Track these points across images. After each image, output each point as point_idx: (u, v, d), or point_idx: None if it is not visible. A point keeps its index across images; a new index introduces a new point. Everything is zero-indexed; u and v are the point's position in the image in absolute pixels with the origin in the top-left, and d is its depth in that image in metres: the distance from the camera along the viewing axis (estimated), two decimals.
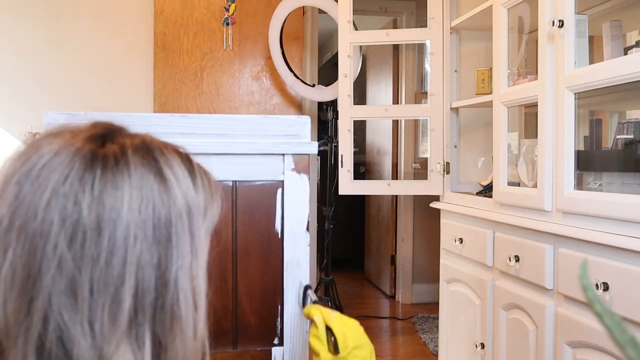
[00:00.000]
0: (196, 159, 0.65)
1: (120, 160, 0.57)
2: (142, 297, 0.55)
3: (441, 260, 2.56)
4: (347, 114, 2.77)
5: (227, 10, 3.28)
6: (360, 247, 5.46)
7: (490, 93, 2.26)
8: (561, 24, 1.66)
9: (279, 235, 1.19)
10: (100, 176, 0.55)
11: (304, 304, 1.07)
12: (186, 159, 0.63)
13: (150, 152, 0.60)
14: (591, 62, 1.74)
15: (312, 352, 1.01)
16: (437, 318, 2.69)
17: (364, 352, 0.99)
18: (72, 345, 0.53)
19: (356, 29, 2.86)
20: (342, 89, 2.79)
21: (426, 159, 3.66)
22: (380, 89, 4.72)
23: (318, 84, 3.29)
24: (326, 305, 3.56)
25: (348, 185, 2.77)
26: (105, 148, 0.58)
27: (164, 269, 0.57)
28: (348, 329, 1.02)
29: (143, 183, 0.57)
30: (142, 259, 0.55)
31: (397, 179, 4.40)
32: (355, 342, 1.00)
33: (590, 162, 1.82)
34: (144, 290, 0.55)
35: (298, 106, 3.37)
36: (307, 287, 1.12)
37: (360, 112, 2.97)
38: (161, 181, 0.58)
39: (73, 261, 0.53)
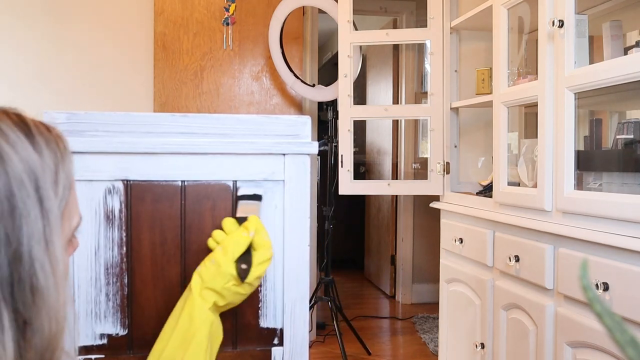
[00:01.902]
0: (32, 116, 0.59)
1: None
2: None
3: (441, 260, 2.56)
4: (347, 114, 2.77)
5: (227, 10, 3.28)
6: (360, 247, 5.46)
7: (490, 93, 2.26)
8: (561, 24, 1.67)
9: (280, 235, 1.19)
10: None
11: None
12: (19, 121, 0.58)
13: None
14: (591, 62, 1.74)
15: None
16: (437, 318, 2.69)
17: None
18: None
19: (356, 29, 2.86)
20: (342, 89, 2.79)
21: (426, 159, 3.66)
22: (380, 89, 4.72)
23: (318, 84, 3.29)
24: (326, 305, 3.55)
25: (348, 185, 2.77)
26: None
27: (14, 242, 0.54)
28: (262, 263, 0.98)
29: None
30: None
31: (397, 179, 4.40)
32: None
33: (590, 162, 1.82)
34: None
35: (298, 106, 3.37)
36: (239, 198, 1.10)
37: (360, 112, 2.97)
38: None
39: None
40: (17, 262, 0.54)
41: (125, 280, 1.13)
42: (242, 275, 0.98)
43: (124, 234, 1.13)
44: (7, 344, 0.53)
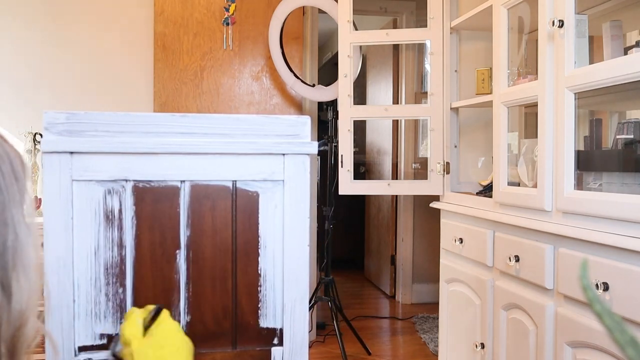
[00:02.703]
0: None
1: None
2: None
3: (441, 260, 2.56)
4: (347, 114, 2.77)
5: (227, 10, 3.28)
6: (360, 247, 5.46)
7: (490, 93, 2.26)
8: (561, 24, 1.66)
9: (280, 235, 1.19)
10: None
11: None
12: None
13: None
14: (591, 62, 1.74)
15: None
16: (437, 318, 2.69)
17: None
18: None
19: (356, 29, 2.86)
20: (342, 89, 2.79)
21: (426, 159, 3.66)
22: (380, 89, 4.72)
23: (318, 84, 3.29)
24: (326, 305, 3.55)
25: (348, 185, 2.77)
26: None
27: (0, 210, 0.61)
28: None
29: None
30: None
31: (397, 179, 4.40)
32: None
33: (590, 162, 1.82)
34: None
35: (298, 106, 3.37)
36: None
37: (360, 112, 2.97)
38: None
39: None
40: (4, 227, 0.61)
41: (125, 281, 1.13)
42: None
43: (124, 234, 1.13)
44: None
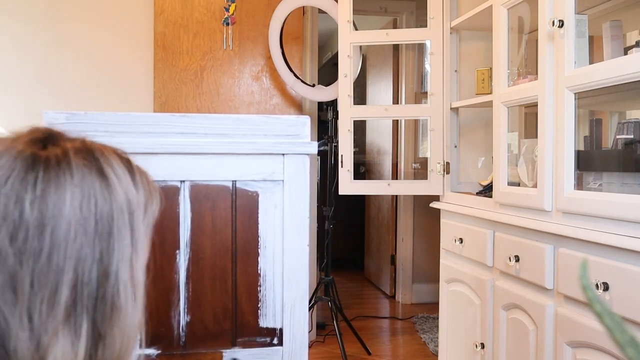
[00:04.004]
0: (135, 160, 0.69)
1: (62, 161, 0.60)
2: (81, 289, 0.58)
3: (441, 260, 2.56)
4: (347, 114, 2.77)
5: (227, 10, 3.28)
6: (360, 247, 5.46)
7: (490, 93, 2.26)
8: (561, 24, 1.66)
9: (280, 235, 1.19)
10: (42, 176, 0.59)
11: None
12: (125, 159, 0.67)
13: (90, 152, 0.63)
14: (591, 62, 1.74)
15: None
16: (437, 318, 2.69)
17: None
18: (9, 337, 0.56)
19: (356, 29, 2.86)
20: (342, 89, 2.79)
21: (426, 159, 3.66)
22: (380, 89, 4.72)
23: (318, 84, 3.29)
24: (326, 305, 3.55)
25: (348, 185, 2.77)
26: (47, 150, 0.61)
27: (105, 261, 0.60)
28: None
29: (85, 182, 0.60)
30: (83, 252, 0.58)
31: (397, 179, 4.40)
32: None
33: (590, 162, 1.82)
34: (84, 282, 0.59)
35: (298, 106, 3.37)
36: None
37: (360, 112, 2.96)
38: (102, 179, 0.62)
39: (14, 256, 0.56)
40: (105, 279, 0.60)
41: None
42: None
43: None
44: (80, 352, 0.58)
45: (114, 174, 0.63)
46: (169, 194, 1.14)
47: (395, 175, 4.45)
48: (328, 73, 5.53)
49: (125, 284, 0.62)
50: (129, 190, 0.64)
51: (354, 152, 2.95)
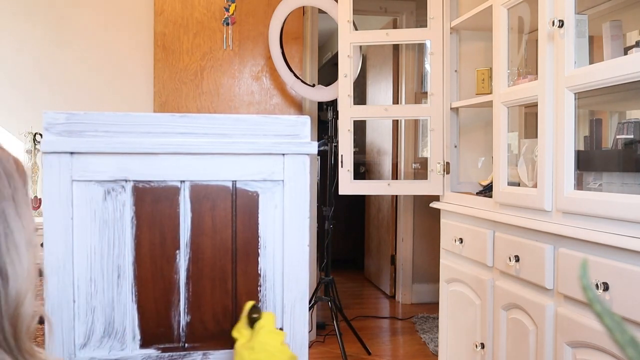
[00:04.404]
0: None
1: None
2: None
3: (441, 260, 2.56)
4: (347, 114, 2.77)
5: (227, 10, 3.28)
6: (360, 247, 5.46)
7: (490, 93, 2.26)
8: (561, 24, 1.66)
9: (280, 235, 1.19)
10: None
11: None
12: None
13: None
14: (591, 62, 1.74)
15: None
16: (437, 318, 2.69)
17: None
18: None
19: (356, 29, 2.86)
20: (342, 89, 2.79)
21: (426, 159, 3.66)
22: (380, 89, 4.72)
23: (318, 84, 3.29)
24: (326, 305, 3.55)
25: (348, 185, 2.77)
26: None
27: None
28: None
29: None
30: None
31: (397, 179, 4.40)
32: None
33: (590, 162, 1.82)
34: None
35: (298, 106, 3.37)
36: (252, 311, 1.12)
37: (360, 112, 2.96)
38: None
39: None
40: None
41: (125, 281, 1.13)
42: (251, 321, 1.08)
43: (124, 235, 1.13)
44: None
45: None
46: (169, 194, 1.14)
47: (395, 175, 4.45)
48: (328, 73, 5.53)
49: (16, 222, 0.71)
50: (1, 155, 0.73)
51: (354, 152, 2.95)
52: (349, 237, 5.61)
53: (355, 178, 2.80)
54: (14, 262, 0.69)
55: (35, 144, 3.05)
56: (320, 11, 3.38)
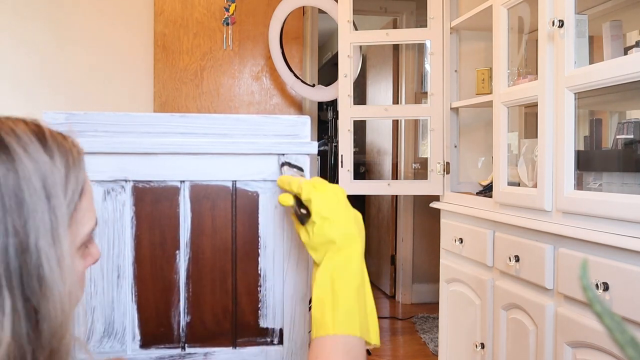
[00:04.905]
0: (52, 127, 0.66)
1: None
2: None
3: (441, 260, 2.56)
4: (347, 114, 2.77)
5: (227, 10, 3.28)
6: None
7: (490, 93, 2.26)
8: (561, 24, 1.66)
9: (280, 235, 1.19)
10: None
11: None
12: (35, 126, 0.64)
13: None
14: (591, 62, 1.74)
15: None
16: (437, 318, 2.69)
17: (345, 242, 0.83)
18: None
19: (356, 29, 2.86)
20: (342, 89, 2.79)
21: (426, 159, 3.66)
22: (380, 89, 4.72)
23: (318, 84, 3.29)
24: None
25: (348, 185, 2.77)
26: None
27: (22, 235, 0.58)
28: (322, 199, 0.86)
29: None
30: None
31: (397, 179, 4.40)
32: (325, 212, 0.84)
33: (590, 162, 1.82)
34: (1, 258, 0.57)
35: (298, 106, 3.37)
36: (283, 164, 1.08)
37: (360, 112, 2.96)
38: (2, 150, 0.59)
39: None
40: (25, 253, 0.59)
41: (125, 281, 1.13)
42: (301, 219, 0.89)
43: (124, 235, 1.13)
44: (5, 328, 0.57)
45: (17, 143, 0.60)
46: (169, 194, 1.14)
47: (395, 175, 4.45)
48: (328, 73, 5.52)
49: (48, 254, 0.60)
50: (39, 158, 0.61)
51: (354, 152, 2.95)
52: None
53: (355, 178, 2.80)
54: (47, 305, 0.60)
55: None
56: (320, 11, 3.38)
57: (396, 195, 4.43)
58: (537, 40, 1.87)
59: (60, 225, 0.62)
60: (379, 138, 4.83)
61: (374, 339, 0.85)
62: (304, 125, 1.18)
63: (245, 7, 3.30)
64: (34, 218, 0.59)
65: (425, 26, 2.68)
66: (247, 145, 1.15)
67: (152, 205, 1.13)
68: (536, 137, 1.83)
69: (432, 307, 4.03)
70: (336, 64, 2.85)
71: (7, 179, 0.58)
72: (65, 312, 0.62)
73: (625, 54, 1.75)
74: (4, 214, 0.58)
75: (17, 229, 0.58)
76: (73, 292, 0.64)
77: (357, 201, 5.37)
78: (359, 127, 5.26)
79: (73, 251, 0.65)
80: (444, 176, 2.62)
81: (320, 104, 3.56)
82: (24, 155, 0.60)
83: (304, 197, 0.88)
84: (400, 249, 4.41)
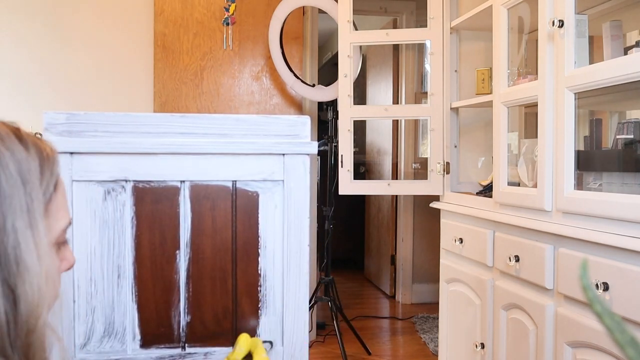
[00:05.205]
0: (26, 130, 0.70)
1: None
2: None
3: (441, 260, 2.56)
4: (347, 114, 2.77)
5: (227, 10, 3.28)
6: (360, 247, 5.46)
7: (490, 93, 2.26)
8: (561, 24, 1.66)
9: (280, 235, 1.19)
10: None
11: None
12: (11, 126, 0.69)
13: None
14: (591, 62, 1.74)
15: None
16: (437, 318, 2.69)
17: None
18: None
19: (356, 29, 2.86)
20: (342, 89, 2.79)
21: (426, 159, 3.66)
22: (380, 89, 4.72)
23: (318, 84, 3.29)
24: (326, 305, 3.55)
25: (348, 185, 2.77)
26: None
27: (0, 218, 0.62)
28: None
29: None
30: None
31: (397, 179, 4.40)
32: None
33: (590, 162, 1.82)
34: None
35: (298, 106, 3.37)
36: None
37: (360, 112, 2.96)
38: None
39: None
40: (1, 233, 0.62)
41: (125, 281, 1.13)
42: None
43: (124, 235, 1.13)
44: None
45: (1, 143, 0.64)
46: (169, 194, 1.14)
47: (395, 175, 4.45)
48: (328, 73, 5.53)
49: (25, 236, 0.63)
50: (14, 148, 0.65)
51: (354, 152, 2.95)
52: (349, 237, 5.61)
53: (355, 178, 2.80)
54: (24, 285, 0.62)
55: None
56: (320, 11, 3.38)
57: (396, 195, 4.43)
58: (537, 40, 1.87)
59: (36, 209, 0.65)
60: (379, 138, 4.83)
61: None
62: (304, 125, 1.18)
63: (245, 7, 3.30)
64: (10, 201, 0.62)
65: (425, 26, 2.68)
66: (247, 145, 1.15)
67: (152, 205, 1.13)
68: (536, 137, 1.83)
69: (432, 307, 4.03)
70: (336, 64, 2.85)
71: None
72: (42, 292, 0.64)
73: (625, 54, 1.75)
74: None
75: None
76: (50, 277, 0.66)
77: (357, 201, 5.37)
78: (359, 127, 5.27)
79: (50, 240, 0.68)
80: (444, 176, 2.62)
81: (320, 104, 3.56)
82: (1, 145, 0.64)
83: None
84: (400, 249, 4.41)
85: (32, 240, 0.64)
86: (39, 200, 0.66)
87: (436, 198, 2.67)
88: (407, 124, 4.34)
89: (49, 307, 0.66)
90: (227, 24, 3.28)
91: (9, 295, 0.61)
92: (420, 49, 4.10)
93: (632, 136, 1.70)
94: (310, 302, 3.20)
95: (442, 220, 2.55)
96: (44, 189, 0.67)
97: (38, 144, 0.69)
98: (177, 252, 1.15)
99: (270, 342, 1.16)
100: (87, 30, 3.22)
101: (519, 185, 2.04)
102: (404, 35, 3.23)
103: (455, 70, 2.63)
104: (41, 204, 0.66)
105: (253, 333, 1.18)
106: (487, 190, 2.31)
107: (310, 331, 3.40)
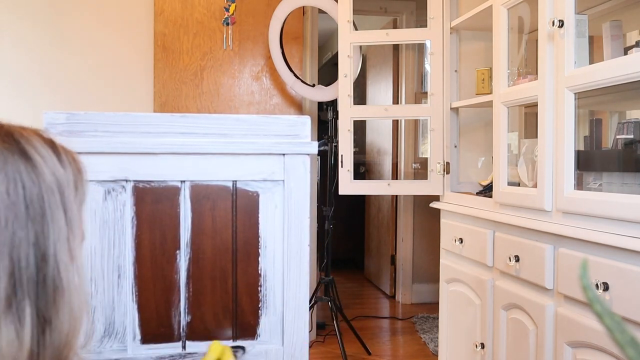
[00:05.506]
0: (58, 140, 0.67)
1: None
2: (19, 275, 0.57)
3: (441, 260, 2.56)
4: (347, 114, 2.77)
5: (227, 10, 3.28)
6: (360, 247, 5.46)
7: (490, 93, 2.26)
8: (561, 24, 1.67)
9: (280, 235, 1.19)
10: None
11: None
12: (47, 139, 0.65)
13: (10, 135, 0.61)
14: (591, 62, 1.74)
15: None
16: (437, 318, 2.69)
17: None
18: None
19: (356, 29, 2.86)
20: (342, 89, 2.79)
21: (426, 159, 3.66)
22: (380, 89, 4.72)
23: (318, 84, 3.29)
24: (326, 305, 3.56)
25: (348, 185, 2.77)
26: None
27: (42, 244, 0.59)
28: None
29: (8, 165, 0.59)
30: (16, 238, 0.57)
31: (397, 179, 4.40)
32: None
33: (590, 162, 1.82)
34: (22, 267, 0.57)
35: (298, 106, 3.37)
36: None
37: (360, 112, 2.97)
38: (26, 161, 0.60)
39: None
40: (44, 262, 0.59)
41: (126, 281, 1.13)
42: None
43: (124, 234, 1.13)
44: (25, 338, 0.57)
45: (38, 154, 0.61)
46: (169, 194, 1.14)
47: (395, 175, 4.45)
48: (328, 73, 5.53)
49: (66, 265, 0.61)
50: (56, 169, 0.62)
51: (354, 152, 2.95)
52: (349, 237, 5.61)
53: (355, 178, 2.80)
54: (59, 314, 0.59)
55: None
56: (320, 11, 3.38)
57: (396, 195, 4.43)
58: (537, 40, 1.88)
59: (75, 236, 0.63)
60: (379, 138, 4.83)
61: None
62: (304, 125, 1.19)
63: (245, 7, 3.30)
64: (54, 228, 0.60)
65: (425, 26, 2.68)
66: (248, 145, 1.15)
67: (152, 205, 1.14)
68: (536, 137, 1.84)
69: (432, 307, 4.03)
70: (336, 64, 2.85)
71: (32, 188, 0.59)
72: (77, 323, 0.62)
73: (625, 54, 1.75)
74: (28, 224, 0.58)
75: (38, 238, 0.59)
76: (85, 306, 0.64)
77: (357, 201, 5.37)
78: (359, 127, 5.27)
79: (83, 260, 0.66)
80: (444, 176, 2.62)
81: (320, 104, 3.56)
82: (44, 166, 0.61)
83: None
84: (400, 249, 4.41)
85: (72, 268, 0.61)
86: (77, 225, 0.63)
87: (436, 198, 2.67)
88: (407, 124, 4.34)
89: (79, 336, 0.64)
90: (227, 24, 3.28)
91: (43, 325, 0.59)
92: (420, 49, 4.10)
93: (632, 136, 1.70)
94: (310, 302, 3.20)
95: (442, 220, 2.55)
96: (77, 211, 0.65)
97: (70, 159, 0.66)
98: (178, 252, 1.15)
99: (243, 348, 1.16)
100: (87, 30, 3.22)
101: (519, 185, 2.04)
102: (404, 35, 3.23)
103: (455, 70, 2.63)
104: (78, 228, 0.64)
105: (253, 333, 1.18)
106: (487, 190, 2.31)
107: (310, 331, 3.40)
